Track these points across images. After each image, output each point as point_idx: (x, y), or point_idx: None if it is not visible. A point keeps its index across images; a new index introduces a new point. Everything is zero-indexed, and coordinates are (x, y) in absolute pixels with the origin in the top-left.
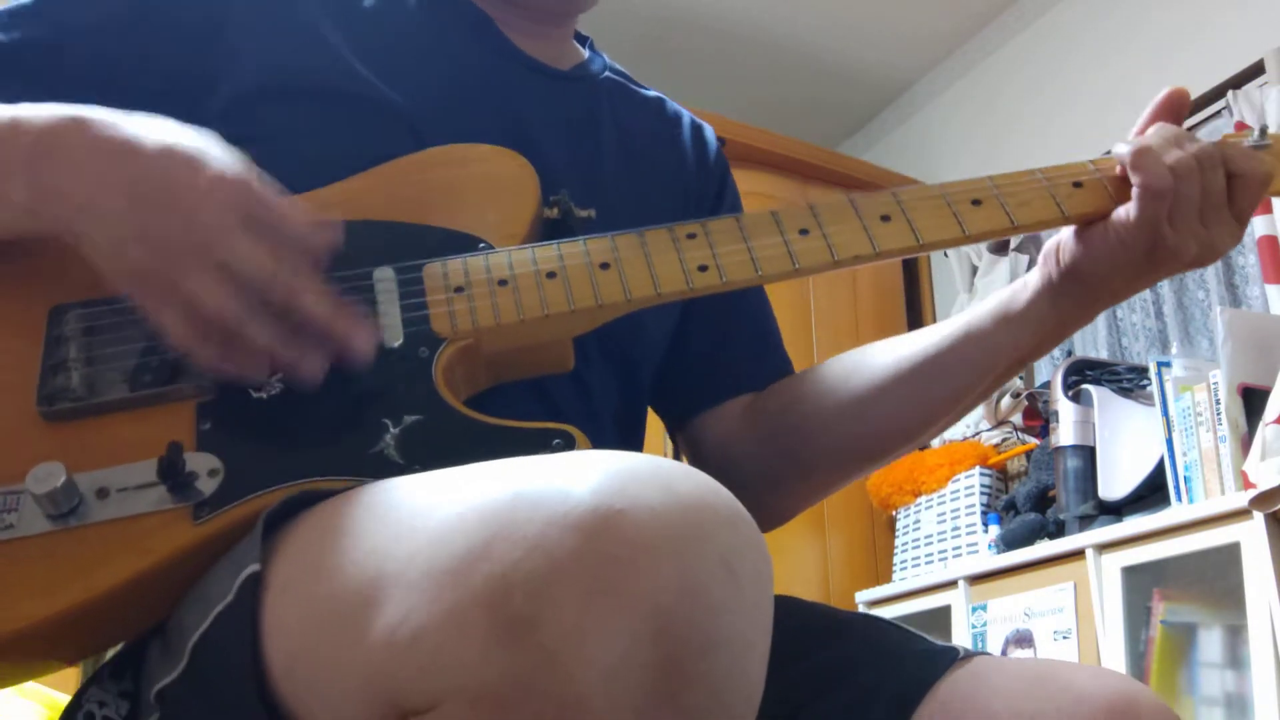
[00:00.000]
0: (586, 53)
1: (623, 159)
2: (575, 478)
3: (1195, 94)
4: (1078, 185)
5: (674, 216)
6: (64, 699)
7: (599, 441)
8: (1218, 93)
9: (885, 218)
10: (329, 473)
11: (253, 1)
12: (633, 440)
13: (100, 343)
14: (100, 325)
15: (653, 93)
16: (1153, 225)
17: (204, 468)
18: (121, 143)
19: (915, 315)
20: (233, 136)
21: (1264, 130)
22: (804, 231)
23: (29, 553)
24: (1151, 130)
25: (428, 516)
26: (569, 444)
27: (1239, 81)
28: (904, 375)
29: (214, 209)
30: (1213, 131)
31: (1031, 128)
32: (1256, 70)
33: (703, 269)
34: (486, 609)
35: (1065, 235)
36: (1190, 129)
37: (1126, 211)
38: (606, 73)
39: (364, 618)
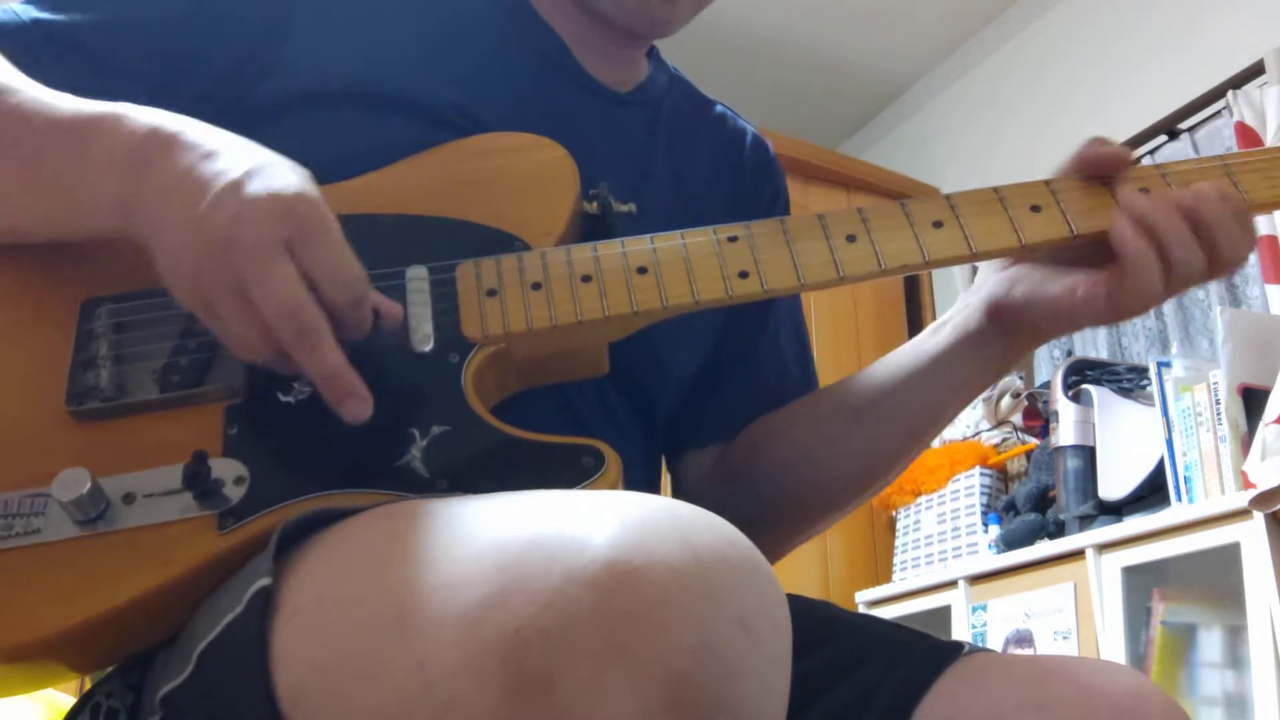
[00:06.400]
0: (650, 67)
1: (677, 184)
2: (592, 527)
3: (1195, 94)
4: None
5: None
6: (67, 700)
7: (627, 467)
8: (1218, 93)
9: (938, 223)
10: (355, 485)
11: (319, 3)
12: (655, 463)
13: (131, 340)
14: (131, 321)
15: (719, 108)
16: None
17: (230, 475)
18: (208, 157)
19: (915, 309)
20: (275, 130)
21: None
22: (851, 238)
23: (53, 558)
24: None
25: (443, 557)
26: (599, 462)
27: (1239, 81)
28: (850, 422)
29: (256, 232)
30: (1212, 131)
31: (1031, 128)
32: (1256, 70)
33: (743, 275)
34: (501, 662)
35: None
36: (1190, 129)
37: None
38: (670, 86)
39: (376, 660)
